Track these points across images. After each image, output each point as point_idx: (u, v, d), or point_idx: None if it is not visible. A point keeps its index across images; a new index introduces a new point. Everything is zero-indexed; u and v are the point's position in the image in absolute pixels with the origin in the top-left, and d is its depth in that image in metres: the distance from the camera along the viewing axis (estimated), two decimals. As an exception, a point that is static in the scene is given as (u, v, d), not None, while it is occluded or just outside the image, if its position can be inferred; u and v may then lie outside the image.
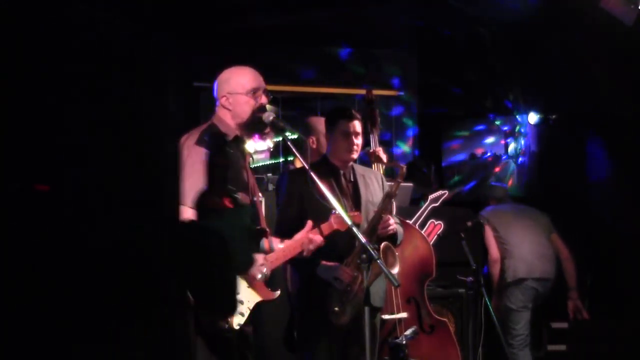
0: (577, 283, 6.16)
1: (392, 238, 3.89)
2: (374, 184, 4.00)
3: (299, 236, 3.48)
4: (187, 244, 3.16)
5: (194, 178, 3.15)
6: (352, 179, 3.96)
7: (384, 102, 8.14)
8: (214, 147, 3.23)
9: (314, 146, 4.27)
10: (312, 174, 3.40)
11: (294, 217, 3.76)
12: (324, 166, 3.87)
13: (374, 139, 4.32)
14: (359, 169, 4.03)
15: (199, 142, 3.22)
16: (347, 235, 3.57)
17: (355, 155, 3.93)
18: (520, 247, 5.99)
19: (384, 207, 3.85)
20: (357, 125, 3.92)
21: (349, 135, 3.88)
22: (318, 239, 3.49)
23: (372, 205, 3.88)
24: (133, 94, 2.21)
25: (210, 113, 3.52)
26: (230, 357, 3.19)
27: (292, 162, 4.80)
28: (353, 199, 3.89)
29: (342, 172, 3.93)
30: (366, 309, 3.29)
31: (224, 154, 3.26)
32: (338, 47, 7.94)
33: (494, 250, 6.05)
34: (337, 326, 3.68)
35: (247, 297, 3.23)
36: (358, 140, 3.91)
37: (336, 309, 3.66)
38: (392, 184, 3.97)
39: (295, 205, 3.81)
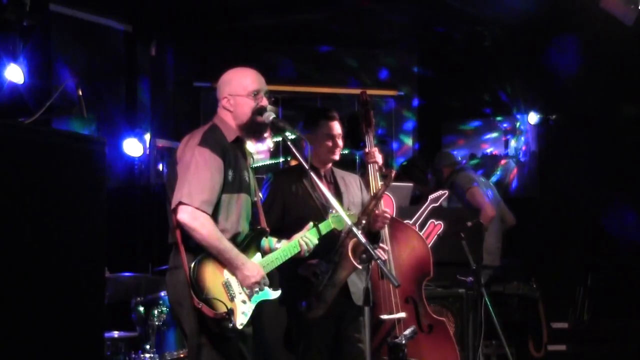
0: None
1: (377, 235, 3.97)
2: (353, 186, 4.08)
3: (297, 236, 3.49)
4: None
5: (199, 178, 3.15)
6: (332, 181, 4.02)
7: (385, 101, 8.14)
8: (216, 147, 3.23)
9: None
10: (312, 174, 3.44)
11: (277, 219, 3.81)
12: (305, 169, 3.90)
13: (369, 140, 4.36)
14: (338, 171, 4.11)
15: (202, 143, 3.22)
16: (335, 237, 3.66)
17: (337, 157, 3.99)
18: (490, 234, 6.01)
19: (370, 208, 3.90)
20: (338, 127, 3.99)
21: (332, 136, 3.95)
22: (314, 239, 3.51)
23: (353, 207, 3.94)
24: None
25: (211, 113, 3.53)
26: (233, 357, 3.20)
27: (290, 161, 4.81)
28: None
29: (322, 173, 3.99)
30: (366, 309, 3.30)
31: (226, 154, 3.27)
32: (338, 47, 7.94)
33: (489, 208, 6.03)
34: (309, 320, 3.73)
35: (250, 297, 3.23)
36: (340, 142, 3.98)
37: (306, 303, 3.73)
38: (381, 184, 4.01)
39: (278, 207, 3.87)
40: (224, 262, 3.17)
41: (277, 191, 3.92)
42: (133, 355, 4.55)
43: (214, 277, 3.14)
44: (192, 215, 3.11)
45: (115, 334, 4.60)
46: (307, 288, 3.75)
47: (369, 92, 4.71)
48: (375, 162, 4.26)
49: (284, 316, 4.04)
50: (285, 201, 3.88)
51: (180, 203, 3.12)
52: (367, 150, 4.28)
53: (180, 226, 3.14)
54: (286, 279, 3.77)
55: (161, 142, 6.64)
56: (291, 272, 3.76)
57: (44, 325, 3.15)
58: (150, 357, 4.50)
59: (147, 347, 4.54)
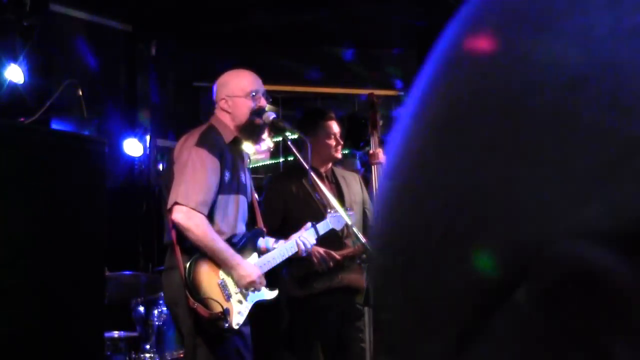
0: None
1: None
2: (354, 185, 4.10)
3: (295, 236, 3.50)
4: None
5: (195, 179, 3.16)
6: (333, 181, 4.05)
7: (385, 102, 8.13)
8: (213, 148, 3.24)
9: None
10: (312, 174, 3.45)
11: (278, 221, 3.82)
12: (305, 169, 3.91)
13: (374, 141, 4.39)
14: (339, 171, 4.14)
15: (200, 144, 3.23)
16: (336, 235, 3.68)
17: (340, 155, 4.06)
18: None
19: None
20: (336, 125, 4.10)
21: (333, 135, 4.00)
22: (312, 239, 3.52)
23: (356, 205, 3.95)
24: None
25: (211, 113, 3.53)
26: (230, 357, 3.20)
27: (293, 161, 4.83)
28: (337, 201, 3.94)
29: (323, 174, 4.01)
30: (367, 309, 3.30)
31: (223, 155, 3.27)
32: (338, 47, 7.94)
33: None
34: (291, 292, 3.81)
35: (246, 297, 3.24)
36: (340, 139, 4.03)
37: (290, 275, 3.79)
38: None
39: (279, 209, 3.88)
40: (219, 263, 3.17)
41: (278, 193, 3.93)
42: (133, 355, 4.55)
43: (209, 277, 3.15)
44: (187, 215, 3.11)
45: (115, 334, 4.60)
46: (303, 264, 3.78)
47: (369, 91, 4.73)
48: (380, 163, 4.29)
49: (284, 316, 4.04)
50: (286, 203, 3.89)
51: (176, 203, 3.13)
52: (371, 151, 4.31)
53: (176, 226, 3.14)
54: (293, 280, 3.80)
55: (161, 142, 6.63)
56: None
57: (44, 324, 3.15)
58: (150, 357, 4.50)
59: (147, 347, 4.54)
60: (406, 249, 0.37)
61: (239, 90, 3.39)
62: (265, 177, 5.02)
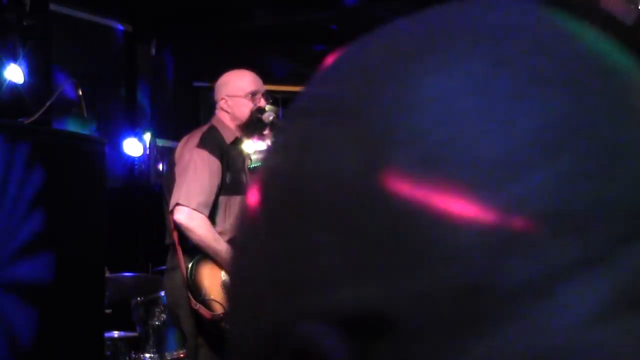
0: None
1: None
2: None
3: None
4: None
5: (197, 180, 3.17)
6: None
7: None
8: (214, 149, 3.25)
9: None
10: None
11: None
12: None
13: None
14: None
15: (201, 145, 3.24)
16: None
17: None
18: None
19: None
20: None
21: None
22: None
23: None
24: None
25: (211, 113, 3.54)
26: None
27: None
28: None
29: None
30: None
31: (224, 156, 3.28)
32: (338, 47, 7.93)
33: None
34: None
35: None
36: None
37: None
38: None
39: None
40: (220, 263, 3.18)
41: None
42: (133, 355, 4.56)
43: (211, 278, 3.15)
44: (188, 216, 3.12)
45: (115, 334, 4.60)
46: None
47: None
48: None
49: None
50: None
51: (178, 204, 3.13)
52: None
53: (177, 227, 3.15)
54: None
55: (161, 142, 6.64)
56: None
57: (44, 324, 3.15)
58: (150, 357, 4.50)
59: (147, 347, 4.55)
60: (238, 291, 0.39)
61: (238, 90, 3.39)
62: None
